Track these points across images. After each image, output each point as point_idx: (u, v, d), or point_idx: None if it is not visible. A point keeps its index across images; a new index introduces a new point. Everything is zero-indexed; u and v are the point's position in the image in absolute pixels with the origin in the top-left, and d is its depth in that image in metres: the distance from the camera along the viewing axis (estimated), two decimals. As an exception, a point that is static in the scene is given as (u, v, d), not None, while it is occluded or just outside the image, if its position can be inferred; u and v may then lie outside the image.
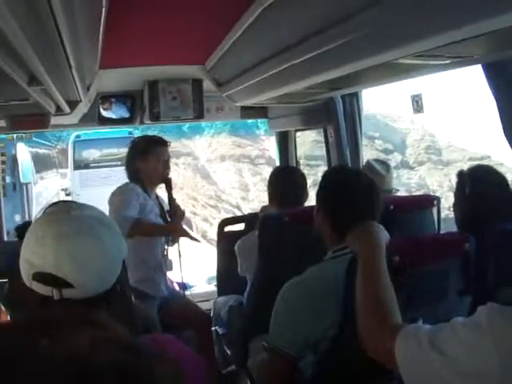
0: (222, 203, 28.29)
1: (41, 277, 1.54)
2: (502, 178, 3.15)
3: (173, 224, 4.49)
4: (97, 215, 1.66)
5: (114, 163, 19.83)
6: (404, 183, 31.78)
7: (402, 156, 35.11)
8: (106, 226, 1.63)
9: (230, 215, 20.96)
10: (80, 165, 20.45)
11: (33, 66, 2.45)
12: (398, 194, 4.85)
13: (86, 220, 1.61)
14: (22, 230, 3.25)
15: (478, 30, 2.00)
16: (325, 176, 2.89)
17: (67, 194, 20.80)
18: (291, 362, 2.55)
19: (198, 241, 4.56)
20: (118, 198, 4.23)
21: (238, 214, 23.74)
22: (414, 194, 28.65)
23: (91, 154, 20.53)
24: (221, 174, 31.15)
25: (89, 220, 1.61)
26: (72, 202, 2.92)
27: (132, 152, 4.51)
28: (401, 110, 34.20)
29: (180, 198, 25.94)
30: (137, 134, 17.44)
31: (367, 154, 33.39)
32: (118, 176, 19.56)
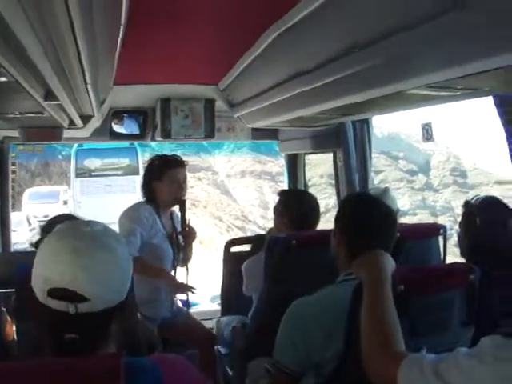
0: (249, 224, 27.82)
1: (56, 293, 1.56)
2: (509, 209, 3.16)
3: (167, 274, 4.42)
4: (105, 229, 1.70)
5: (115, 172, 20.16)
6: (429, 206, 31.53)
7: (427, 178, 34.95)
8: (116, 240, 1.67)
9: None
10: (82, 173, 21.06)
11: (50, 82, 2.48)
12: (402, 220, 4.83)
13: (98, 234, 1.64)
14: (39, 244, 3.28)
15: (490, 65, 2.03)
16: (344, 201, 2.92)
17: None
18: (293, 380, 2.55)
19: (192, 290, 4.48)
20: (126, 224, 4.23)
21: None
22: (440, 217, 28.22)
23: (93, 162, 21.06)
24: (240, 190, 30.73)
25: (100, 234, 1.65)
26: (77, 219, 2.94)
27: (147, 172, 4.51)
28: (424, 130, 34.20)
29: (204, 218, 25.60)
30: (136, 145, 17.59)
31: (391, 174, 33.28)
32: (119, 185, 19.87)
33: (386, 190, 4.72)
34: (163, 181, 4.37)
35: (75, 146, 20.32)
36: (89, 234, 1.63)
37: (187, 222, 4.52)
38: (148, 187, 4.44)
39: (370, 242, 2.48)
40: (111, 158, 20.62)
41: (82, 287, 1.54)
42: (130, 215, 4.29)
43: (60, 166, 29.90)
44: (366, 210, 2.68)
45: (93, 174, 21.08)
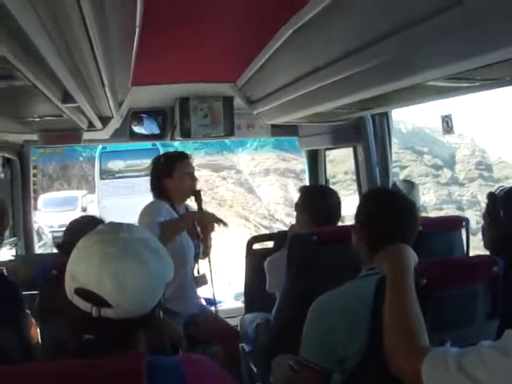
0: (277, 223, 27.62)
1: (82, 293, 1.58)
2: None
3: (188, 217, 4.41)
4: (145, 239, 1.68)
5: (138, 174, 20.32)
6: (455, 200, 31.24)
7: (452, 172, 34.64)
8: (152, 251, 1.65)
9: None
10: (106, 175, 21.46)
11: (67, 85, 2.49)
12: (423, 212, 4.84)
13: (133, 243, 1.63)
14: (63, 246, 3.30)
15: (509, 54, 2.01)
16: (365, 196, 2.90)
17: None
18: (323, 377, 2.52)
19: (225, 224, 4.49)
20: (145, 218, 4.23)
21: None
22: (466, 211, 27.89)
23: (116, 164, 21.45)
24: (265, 188, 30.53)
25: (136, 243, 1.63)
26: (102, 221, 2.94)
27: (156, 171, 4.48)
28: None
29: (233, 219, 25.54)
30: (159, 145, 17.78)
31: (416, 169, 33.02)
32: (142, 186, 20.09)
33: (414, 184, 4.71)
34: (173, 176, 4.35)
35: (99, 148, 20.93)
36: (124, 241, 1.63)
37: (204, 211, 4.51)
38: (159, 186, 4.42)
39: (391, 236, 2.47)
40: (134, 159, 20.80)
41: (107, 293, 1.55)
42: (148, 211, 4.29)
43: (81, 168, 29.37)
44: (387, 205, 2.67)
45: (117, 175, 21.43)
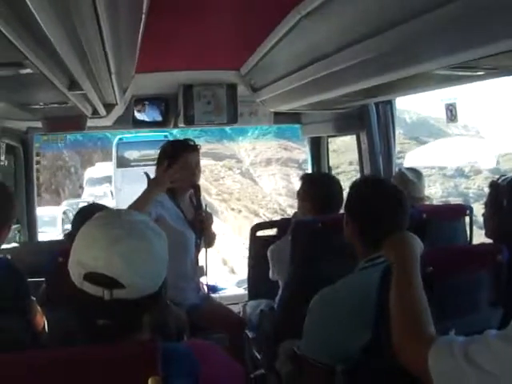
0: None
1: (92, 277, 1.57)
2: None
3: (150, 185, 4.26)
4: (145, 221, 1.70)
5: (151, 163, 20.93)
6: (462, 193, 31.01)
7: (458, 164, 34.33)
8: (154, 232, 1.67)
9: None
10: (122, 163, 23.31)
11: (74, 72, 2.50)
12: (429, 202, 4.84)
13: (137, 224, 1.65)
14: (72, 235, 3.30)
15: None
16: (353, 187, 2.83)
17: None
18: (326, 373, 2.49)
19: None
20: None
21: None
22: (473, 204, 27.71)
23: (132, 154, 23.26)
24: (266, 179, 30.14)
25: (139, 224, 1.65)
26: (120, 209, 2.93)
27: (161, 157, 4.42)
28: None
29: (237, 212, 25.35)
30: (170, 137, 18.15)
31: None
32: (154, 174, 20.68)
33: (419, 173, 4.70)
34: (176, 165, 4.21)
35: (116, 139, 23.03)
36: (128, 222, 1.65)
37: (203, 207, 4.45)
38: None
39: (385, 226, 2.47)
40: (147, 149, 21.81)
41: (118, 274, 1.56)
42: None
43: (57, 157, 27.27)
44: (377, 193, 2.64)
45: (132, 164, 22.84)
